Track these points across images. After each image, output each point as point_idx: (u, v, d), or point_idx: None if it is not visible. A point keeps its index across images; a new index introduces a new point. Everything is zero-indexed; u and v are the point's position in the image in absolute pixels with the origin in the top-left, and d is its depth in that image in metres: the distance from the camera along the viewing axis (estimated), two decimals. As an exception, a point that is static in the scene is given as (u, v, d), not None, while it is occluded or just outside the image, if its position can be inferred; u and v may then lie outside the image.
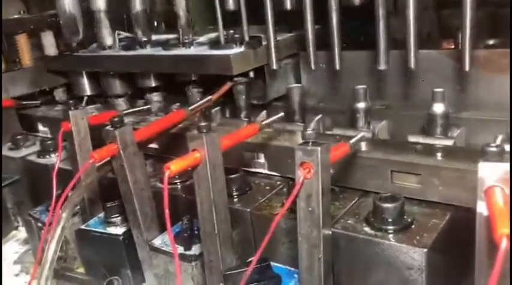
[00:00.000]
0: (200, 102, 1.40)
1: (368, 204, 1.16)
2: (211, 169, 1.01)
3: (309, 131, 0.90)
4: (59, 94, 2.11)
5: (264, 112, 1.61)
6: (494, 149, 0.75)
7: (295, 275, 1.08)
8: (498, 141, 0.81)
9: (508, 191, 0.72)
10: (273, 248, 1.16)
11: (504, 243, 0.62)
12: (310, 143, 0.90)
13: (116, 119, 1.16)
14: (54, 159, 1.73)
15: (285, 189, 1.31)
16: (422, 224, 1.06)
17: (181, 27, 1.64)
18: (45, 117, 2.01)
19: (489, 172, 0.73)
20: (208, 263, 1.11)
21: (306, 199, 0.92)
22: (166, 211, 0.94)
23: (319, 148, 0.88)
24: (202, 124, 1.00)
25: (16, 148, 1.88)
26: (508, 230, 0.62)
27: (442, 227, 1.05)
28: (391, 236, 1.03)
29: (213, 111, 1.62)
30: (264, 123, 1.20)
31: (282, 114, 1.24)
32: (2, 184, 1.74)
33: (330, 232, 0.98)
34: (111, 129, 1.16)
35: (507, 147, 1.00)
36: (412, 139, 1.26)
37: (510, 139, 1.05)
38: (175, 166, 0.95)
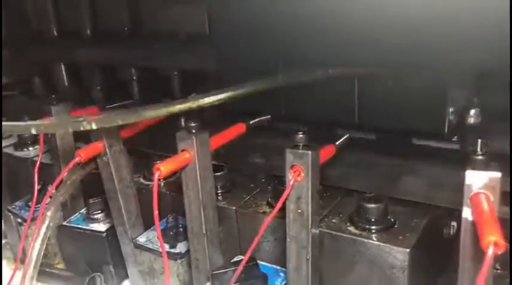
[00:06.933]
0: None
1: (351, 203, 1.19)
2: (200, 169, 1.01)
3: (300, 135, 0.91)
4: (37, 84, 2.07)
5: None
6: (481, 158, 0.78)
7: (281, 274, 1.10)
8: (478, 146, 0.84)
9: (493, 198, 0.75)
10: (257, 245, 1.17)
11: (491, 251, 0.65)
12: (301, 147, 0.92)
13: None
14: (32, 152, 1.70)
15: (269, 187, 1.32)
16: (404, 223, 1.09)
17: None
18: (23, 108, 1.97)
19: (476, 180, 0.76)
20: (195, 262, 1.12)
21: (296, 201, 0.93)
22: (156, 212, 0.94)
23: (310, 152, 0.90)
24: (192, 124, 1.00)
25: (-9, 140, 1.84)
26: (494, 238, 0.65)
27: (424, 226, 1.09)
28: (374, 235, 1.06)
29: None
30: (251, 122, 1.21)
31: (269, 116, 1.25)
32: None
33: (318, 233, 1.00)
34: (97, 126, 1.14)
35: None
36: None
37: (510, 139, 1.09)
38: (165, 167, 0.94)
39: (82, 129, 0.82)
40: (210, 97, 0.88)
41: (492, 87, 1.14)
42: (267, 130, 1.37)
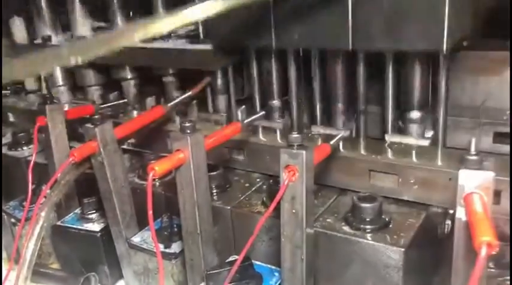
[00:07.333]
0: (179, 98, 1.39)
1: (346, 202, 1.19)
2: (195, 169, 1.01)
3: (294, 134, 0.91)
4: (30, 83, 2.05)
5: (243, 107, 1.61)
6: (474, 157, 0.78)
7: (276, 274, 1.10)
8: (472, 145, 0.84)
9: (486, 198, 0.75)
10: (252, 245, 1.17)
11: (484, 251, 0.65)
12: (295, 147, 0.91)
13: (96, 116, 1.14)
14: (27, 152, 1.70)
15: (264, 186, 1.32)
16: (399, 223, 1.09)
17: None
18: (15, 107, 1.96)
19: (469, 179, 0.76)
20: (189, 262, 1.11)
21: (290, 201, 0.93)
22: (150, 213, 0.94)
23: (304, 152, 0.90)
24: (187, 124, 1.00)
25: (-15, 140, 1.83)
26: (487, 239, 0.65)
27: (419, 226, 1.09)
28: (369, 235, 1.06)
29: (189, 106, 1.61)
30: (246, 121, 1.21)
31: (263, 112, 1.25)
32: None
33: (313, 233, 1.00)
34: (91, 126, 1.14)
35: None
36: (388, 138, 1.29)
37: (510, 139, 1.09)
38: (159, 167, 0.94)
39: (67, 63, 0.74)
40: (202, 5, 0.76)
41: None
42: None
